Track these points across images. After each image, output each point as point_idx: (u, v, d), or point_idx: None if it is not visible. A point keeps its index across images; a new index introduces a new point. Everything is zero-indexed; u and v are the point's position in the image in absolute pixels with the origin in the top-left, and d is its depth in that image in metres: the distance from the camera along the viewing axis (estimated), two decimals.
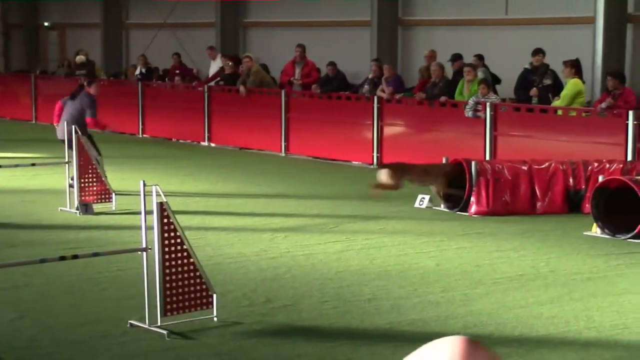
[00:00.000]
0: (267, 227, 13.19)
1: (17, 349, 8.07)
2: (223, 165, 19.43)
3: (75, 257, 9.24)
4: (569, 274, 10.72)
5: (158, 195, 8.42)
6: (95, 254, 9.82)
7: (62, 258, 9.06)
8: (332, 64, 21.86)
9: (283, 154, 20.62)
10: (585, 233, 12.62)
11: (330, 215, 14.06)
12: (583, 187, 13.88)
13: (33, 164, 15.53)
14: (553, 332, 8.60)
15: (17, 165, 16.63)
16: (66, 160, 14.33)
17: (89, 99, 15.60)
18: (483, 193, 13.95)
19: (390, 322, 8.89)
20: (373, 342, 8.32)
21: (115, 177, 15.12)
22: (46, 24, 35.50)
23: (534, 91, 17.74)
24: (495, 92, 18.08)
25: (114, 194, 14.31)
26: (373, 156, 19.03)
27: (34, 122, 27.42)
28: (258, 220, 13.64)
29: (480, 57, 19.30)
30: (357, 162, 19.27)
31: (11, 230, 12.84)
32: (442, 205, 14.28)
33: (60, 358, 7.96)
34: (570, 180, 14.06)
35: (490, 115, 17.09)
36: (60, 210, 14.19)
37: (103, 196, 14.27)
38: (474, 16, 22.04)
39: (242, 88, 21.88)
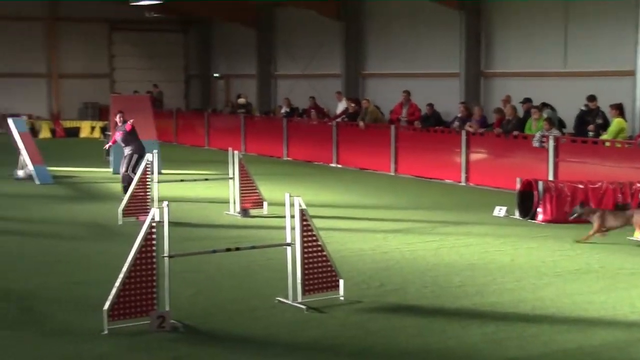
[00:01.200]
0: (380, 229, 13.14)
1: (194, 317, 8.18)
2: (347, 181, 19.43)
3: (237, 249, 9.32)
4: (615, 269, 10.40)
5: (300, 204, 8.48)
6: (252, 247, 9.92)
7: (228, 249, 9.16)
8: (430, 105, 21.74)
9: (393, 174, 20.52)
10: (628, 237, 12.23)
11: (428, 220, 13.93)
12: (628, 201, 13.48)
13: (206, 179, 15.77)
14: (603, 315, 8.34)
15: (194, 180, 16.89)
16: (230, 176, 14.51)
17: None
18: (548, 205, 13.64)
19: (475, 303, 8.75)
20: (462, 319, 8.18)
21: (266, 189, 15.26)
22: (216, 75, 36.14)
23: (591, 127, 17.42)
24: (558, 128, 17.75)
25: (265, 202, 14.45)
26: (461, 176, 18.81)
27: (206, 147, 27.88)
28: (373, 224, 13.59)
29: (545, 104, 18.93)
30: (449, 180, 19.05)
31: (189, 228, 13.03)
32: (515, 214, 14.02)
33: (226, 324, 8.04)
34: (619, 196, 13.68)
35: (553, 145, 16.72)
36: (226, 213, 14.37)
37: (257, 203, 14.42)
38: (540, 69, 21.64)
39: (361, 123, 21.90)
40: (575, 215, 12.36)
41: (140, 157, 15.62)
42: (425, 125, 20.87)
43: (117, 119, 16.21)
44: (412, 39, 25.32)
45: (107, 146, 15.66)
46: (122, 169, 15.86)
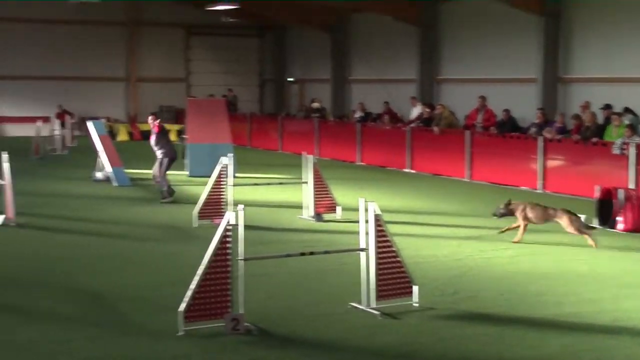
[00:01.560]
0: (454, 235, 13.01)
1: (268, 320, 8.21)
2: (420, 187, 19.31)
3: (311, 253, 9.32)
4: None
5: (374, 209, 8.45)
6: (326, 252, 9.92)
7: (302, 254, 9.17)
8: (506, 111, 21.46)
9: (467, 180, 20.32)
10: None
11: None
12: None
13: (280, 183, 15.86)
14: None
15: (268, 184, 17.03)
16: (303, 180, 14.55)
17: None
18: (629, 214, 13.32)
19: (553, 313, 8.57)
20: (539, 329, 8.03)
21: (339, 194, 15.26)
22: (290, 79, 36.33)
23: None
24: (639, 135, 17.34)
25: (338, 206, 14.44)
26: (538, 183, 18.50)
27: (280, 151, 28.03)
28: (447, 230, 13.47)
29: (628, 110, 18.49)
30: (525, 187, 18.76)
31: (263, 231, 13.09)
32: (594, 222, 13.72)
33: (299, 328, 8.05)
34: None
35: (635, 153, 16.31)
36: (299, 218, 14.41)
37: (330, 208, 14.42)
38: (621, 74, 21.14)
39: (436, 129, 21.75)
40: (498, 215, 12.59)
41: (171, 160, 15.91)
42: (501, 131, 20.62)
43: (150, 121, 16.53)
44: (488, 44, 25.05)
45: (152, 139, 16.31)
46: (156, 173, 16.24)
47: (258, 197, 16.44)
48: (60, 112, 31.74)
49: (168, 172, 16.43)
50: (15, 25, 33.60)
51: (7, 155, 13.55)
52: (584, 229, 12.13)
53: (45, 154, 25.34)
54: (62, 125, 28.72)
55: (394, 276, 8.60)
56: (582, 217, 13.49)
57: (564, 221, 12.14)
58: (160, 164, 16.10)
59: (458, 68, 26.31)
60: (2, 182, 13.46)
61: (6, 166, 13.41)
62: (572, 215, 12.16)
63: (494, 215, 12.76)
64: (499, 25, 24.64)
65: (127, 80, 35.90)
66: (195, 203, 13.96)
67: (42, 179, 19.71)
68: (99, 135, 19.54)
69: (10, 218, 13.34)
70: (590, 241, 11.99)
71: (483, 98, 22.12)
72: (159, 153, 16.14)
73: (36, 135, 25.15)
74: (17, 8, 33.38)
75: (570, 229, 12.04)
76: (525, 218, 12.34)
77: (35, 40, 34.00)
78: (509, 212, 12.50)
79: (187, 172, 20.69)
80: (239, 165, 19.62)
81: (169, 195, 16.20)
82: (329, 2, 30.16)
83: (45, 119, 29.75)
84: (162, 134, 16.25)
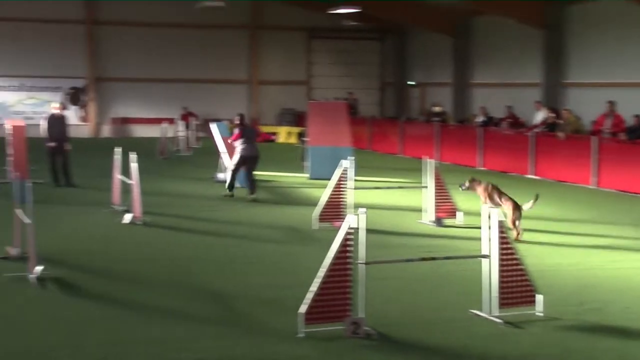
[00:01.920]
0: (580, 244, 12.67)
1: (387, 325, 8.20)
2: (544, 193, 18.78)
3: (432, 258, 9.27)
4: None
5: (497, 215, 8.32)
6: (447, 257, 9.85)
7: (423, 259, 9.13)
8: (637, 116, 20.75)
9: (594, 187, 19.76)
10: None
11: (633, 237, 13.29)
12: None
13: (400, 187, 15.83)
14: None
15: (388, 187, 17.01)
16: (424, 185, 14.47)
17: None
18: None
19: None
20: None
21: (460, 199, 15.10)
22: (411, 82, 36.21)
23: None
24: None
25: (459, 212, 14.30)
26: None
27: (400, 155, 27.96)
28: (573, 239, 13.12)
29: None
30: None
31: (383, 235, 13.07)
32: None
33: (419, 334, 8.00)
34: None
35: None
36: (419, 222, 14.35)
37: (451, 213, 14.29)
38: None
39: (561, 134, 21.25)
40: (462, 189, 13.65)
41: (243, 158, 16.98)
42: (631, 137, 19.94)
43: (236, 121, 17.54)
44: (616, 46, 24.27)
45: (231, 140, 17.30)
46: (229, 166, 17.34)
47: (378, 201, 16.44)
48: (184, 114, 32.62)
49: (254, 174, 17.17)
50: (143, 29, 34.77)
51: (135, 155, 14.02)
52: (518, 223, 12.63)
53: (170, 154, 26.09)
54: (187, 126, 29.51)
55: (516, 284, 8.45)
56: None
57: (508, 208, 12.66)
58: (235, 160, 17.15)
59: (585, 71, 25.59)
60: (130, 182, 13.94)
61: (134, 166, 13.87)
62: (517, 206, 12.72)
63: (460, 187, 13.81)
64: (629, 27, 23.84)
65: (249, 82, 36.57)
66: (314, 205, 14.09)
67: (167, 178, 20.31)
68: (221, 137, 19.96)
69: (138, 217, 13.79)
70: (514, 235, 12.30)
71: (612, 103, 21.46)
72: (238, 149, 17.10)
73: (162, 136, 25.93)
74: (145, 12, 34.56)
75: (509, 216, 12.46)
76: (489, 196, 13.10)
77: (161, 43, 35.10)
78: (472, 188, 13.49)
79: (307, 175, 20.90)
80: (359, 169, 19.68)
81: (229, 189, 17.20)
82: (451, 5, 29.91)
83: (171, 121, 30.63)
84: (244, 133, 17.09)
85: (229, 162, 17.53)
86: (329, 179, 14.10)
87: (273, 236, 13.12)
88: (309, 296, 7.80)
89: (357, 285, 7.91)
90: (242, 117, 17.62)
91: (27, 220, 9.83)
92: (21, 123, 17.76)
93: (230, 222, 14.31)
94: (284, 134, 33.91)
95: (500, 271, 8.36)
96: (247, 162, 16.98)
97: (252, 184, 16.99)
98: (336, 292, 7.83)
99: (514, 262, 8.45)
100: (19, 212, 10.50)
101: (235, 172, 17.17)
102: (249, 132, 17.32)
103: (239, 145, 16.99)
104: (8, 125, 17.83)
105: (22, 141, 16.58)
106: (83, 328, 8.06)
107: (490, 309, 8.42)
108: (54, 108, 18.94)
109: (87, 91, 34.65)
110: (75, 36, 34.12)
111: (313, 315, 7.79)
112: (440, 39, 32.23)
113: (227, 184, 17.30)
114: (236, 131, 17.16)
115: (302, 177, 20.88)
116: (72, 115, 33.04)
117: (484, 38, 30.63)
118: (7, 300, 9.09)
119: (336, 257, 7.81)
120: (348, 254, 7.84)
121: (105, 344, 7.61)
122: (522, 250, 9.01)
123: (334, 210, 13.57)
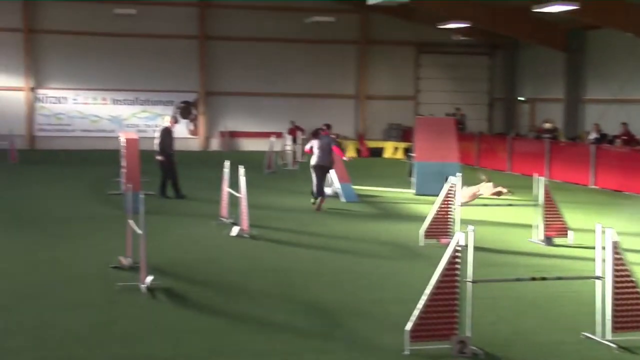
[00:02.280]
0: None
1: (494, 345, 8.05)
2: None
3: (543, 278, 9.04)
4: None
5: (612, 235, 8.06)
6: (559, 278, 9.60)
7: (533, 279, 8.93)
8: None
9: None
10: None
11: None
12: None
13: (510, 204, 15.55)
14: None
15: (497, 205, 16.73)
16: (534, 202, 14.17)
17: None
18: None
19: None
20: None
21: (571, 218, 14.71)
22: (521, 98, 35.62)
23: None
24: None
25: (570, 231, 13.93)
26: None
27: (508, 171, 27.50)
28: None
29: None
30: None
31: (490, 253, 12.86)
32: None
33: (528, 355, 7.81)
34: None
35: None
36: (529, 240, 14.05)
37: (562, 232, 13.94)
38: None
39: None
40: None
41: (313, 168, 17.67)
42: None
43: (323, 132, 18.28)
44: None
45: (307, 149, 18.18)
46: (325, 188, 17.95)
47: (486, 217, 16.19)
48: (292, 128, 32.93)
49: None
50: (253, 44, 35.34)
51: (243, 169, 14.21)
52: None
53: (277, 168, 26.36)
54: (294, 140, 29.77)
55: (632, 307, 8.14)
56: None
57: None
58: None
59: None
60: (239, 195, 14.13)
61: (243, 180, 14.06)
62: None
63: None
64: None
65: (356, 97, 36.69)
66: (421, 221, 13.97)
67: (273, 192, 20.51)
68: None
69: (245, 230, 13.97)
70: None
71: None
72: (312, 159, 17.97)
73: (269, 149, 26.24)
74: (255, 27, 35.13)
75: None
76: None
77: (270, 58, 35.59)
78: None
79: (413, 190, 20.77)
80: (466, 185, 19.45)
81: (314, 196, 17.85)
82: (563, 19, 29.30)
83: (278, 135, 30.98)
84: (319, 144, 17.79)
85: (335, 176, 17.84)
86: (436, 195, 13.96)
87: (379, 251, 13.06)
88: (415, 313, 7.72)
89: (464, 304, 7.78)
90: (320, 129, 18.49)
91: (139, 231, 10.07)
92: (134, 136, 18.24)
93: (336, 237, 14.32)
94: (391, 149, 33.84)
95: (615, 293, 8.09)
96: (316, 171, 17.71)
97: (320, 193, 17.62)
98: (443, 310, 7.72)
99: (629, 284, 8.16)
100: (131, 222, 10.78)
101: (317, 180, 17.81)
102: (324, 143, 17.85)
103: (313, 156, 17.78)
104: (122, 138, 18.35)
105: (135, 153, 17.03)
106: (190, 338, 8.19)
107: (603, 333, 8.15)
108: (167, 122, 19.41)
109: (198, 105, 35.43)
110: (188, 51, 34.96)
111: (419, 332, 7.70)
112: (552, 54, 31.60)
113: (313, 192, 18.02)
114: (312, 143, 17.88)
115: (408, 192, 20.76)
116: (183, 128, 33.83)
117: (597, 52, 29.89)
118: (118, 308, 9.33)
119: (443, 275, 7.71)
120: (456, 272, 7.73)
121: (210, 355, 7.71)
122: (638, 271, 8.68)
123: (441, 226, 13.42)
